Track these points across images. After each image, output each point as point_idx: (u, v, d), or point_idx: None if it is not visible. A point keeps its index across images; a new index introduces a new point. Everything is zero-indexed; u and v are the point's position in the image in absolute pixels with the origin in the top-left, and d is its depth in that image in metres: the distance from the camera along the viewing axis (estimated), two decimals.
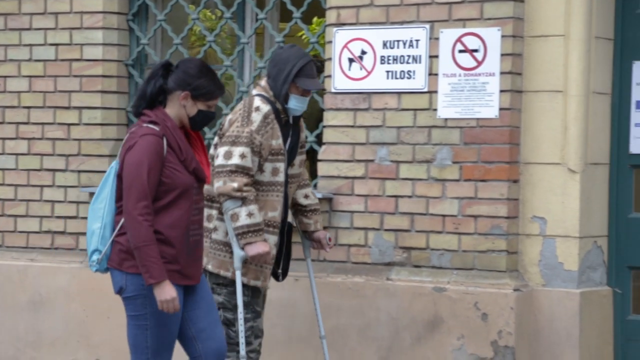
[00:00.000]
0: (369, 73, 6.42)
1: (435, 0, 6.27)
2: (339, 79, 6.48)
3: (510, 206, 6.13)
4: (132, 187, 4.78)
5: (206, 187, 5.42)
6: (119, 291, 4.92)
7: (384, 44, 6.39)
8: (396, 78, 6.35)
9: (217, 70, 7.15)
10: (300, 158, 5.73)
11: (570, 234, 6.09)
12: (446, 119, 6.24)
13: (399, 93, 6.34)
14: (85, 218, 6.56)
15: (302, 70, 5.53)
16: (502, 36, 6.11)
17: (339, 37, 6.49)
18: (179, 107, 4.92)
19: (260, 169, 5.48)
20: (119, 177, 4.89)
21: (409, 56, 6.33)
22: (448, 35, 6.23)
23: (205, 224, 5.53)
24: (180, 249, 4.87)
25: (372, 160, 6.42)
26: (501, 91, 6.11)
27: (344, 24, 6.50)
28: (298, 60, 5.53)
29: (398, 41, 6.35)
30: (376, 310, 6.36)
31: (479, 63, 6.16)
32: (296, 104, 5.56)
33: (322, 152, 6.59)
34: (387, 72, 6.37)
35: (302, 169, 5.79)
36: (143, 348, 4.87)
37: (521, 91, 6.17)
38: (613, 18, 6.28)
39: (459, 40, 6.21)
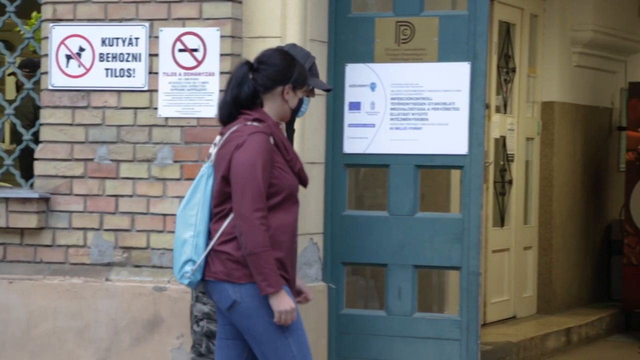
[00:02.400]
0: (88, 70, 6.32)
1: None
2: (57, 76, 6.35)
3: None
4: (246, 189, 4.39)
5: None
6: (232, 305, 4.47)
7: (103, 41, 6.31)
8: (116, 76, 6.29)
9: None
10: None
11: None
12: (167, 118, 6.24)
13: (119, 91, 6.28)
14: None
15: (311, 70, 5.20)
16: (221, 36, 6.18)
17: (56, 33, 6.36)
18: (280, 103, 4.57)
19: None
20: (223, 178, 4.46)
21: (128, 54, 6.29)
22: (168, 34, 6.23)
23: None
24: (287, 256, 4.51)
25: (91, 159, 6.33)
26: (221, 91, 6.15)
27: (60, 20, 6.37)
28: (306, 59, 5.21)
29: (117, 39, 6.29)
30: (95, 312, 6.27)
31: (199, 62, 6.20)
32: (304, 106, 5.21)
33: (39, 151, 6.43)
34: (107, 69, 6.30)
35: None
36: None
37: None
38: (327, 21, 6.47)
39: (178, 39, 6.22)
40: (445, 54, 6.27)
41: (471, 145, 6.20)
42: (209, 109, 6.19)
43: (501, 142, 8.98)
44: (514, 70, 9.10)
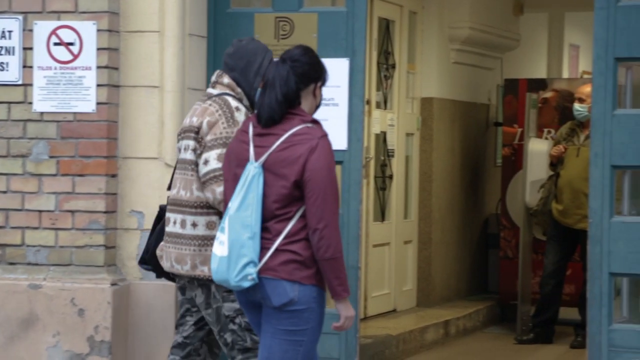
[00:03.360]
0: None
1: None
2: None
3: (109, 201, 6.15)
4: (327, 194, 4.40)
5: (196, 194, 4.94)
6: (286, 304, 4.41)
7: None
8: None
9: None
10: None
11: None
12: (42, 113, 6.18)
13: None
14: None
15: (270, 65, 5.06)
16: (98, 30, 6.14)
17: None
18: (312, 100, 4.56)
19: None
20: (295, 182, 4.40)
21: (1, 47, 6.20)
22: (43, 28, 6.15)
23: (193, 231, 5.03)
24: None
25: None
26: (98, 85, 6.14)
27: None
28: (266, 52, 5.20)
29: None
30: None
31: (75, 57, 6.14)
32: None
33: None
34: None
35: None
36: None
37: (119, 86, 6.21)
38: (206, 16, 6.46)
39: (54, 32, 6.15)
40: (325, 50, 6.29)
41: (350, 141, 6.25)
42: (86, 104, 6.13)
43: (382, 138, 9.06)
44: (393, 66, 9.19)
